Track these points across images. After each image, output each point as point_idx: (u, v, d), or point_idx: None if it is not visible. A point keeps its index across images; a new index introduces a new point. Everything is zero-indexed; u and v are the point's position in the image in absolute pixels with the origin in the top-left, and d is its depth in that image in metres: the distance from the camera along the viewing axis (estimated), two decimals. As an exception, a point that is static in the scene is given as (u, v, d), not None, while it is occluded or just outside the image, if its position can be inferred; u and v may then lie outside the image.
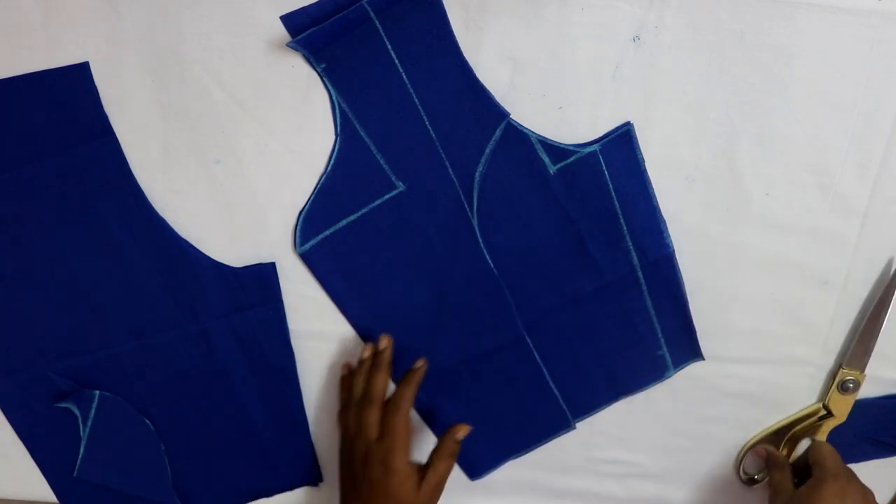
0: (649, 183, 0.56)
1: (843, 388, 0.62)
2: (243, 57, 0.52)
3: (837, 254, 0.59)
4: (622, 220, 0.57)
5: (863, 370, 0.62)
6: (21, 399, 0.58)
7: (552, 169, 0.55)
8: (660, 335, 0.61)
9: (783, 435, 0.64)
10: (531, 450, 0.65)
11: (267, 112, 0.54)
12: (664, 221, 0.57)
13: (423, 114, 0.54)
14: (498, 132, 0.55)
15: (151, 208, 0.55)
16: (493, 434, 0.64)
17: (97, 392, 0.58)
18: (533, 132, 0.55)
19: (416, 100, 0.54)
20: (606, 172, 0.56)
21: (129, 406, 0.59)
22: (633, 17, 0.52)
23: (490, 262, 0.58)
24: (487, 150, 0.55)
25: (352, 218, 0.56)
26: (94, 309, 0.57)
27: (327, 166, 0.55)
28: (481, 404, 0.62)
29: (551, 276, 0.58)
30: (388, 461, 0.54)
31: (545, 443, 0.64)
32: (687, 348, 0.61)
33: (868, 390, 0.63)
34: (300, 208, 0.56)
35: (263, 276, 0.57)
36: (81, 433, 0.59)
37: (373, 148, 0.55)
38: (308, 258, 0.57)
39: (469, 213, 0.56)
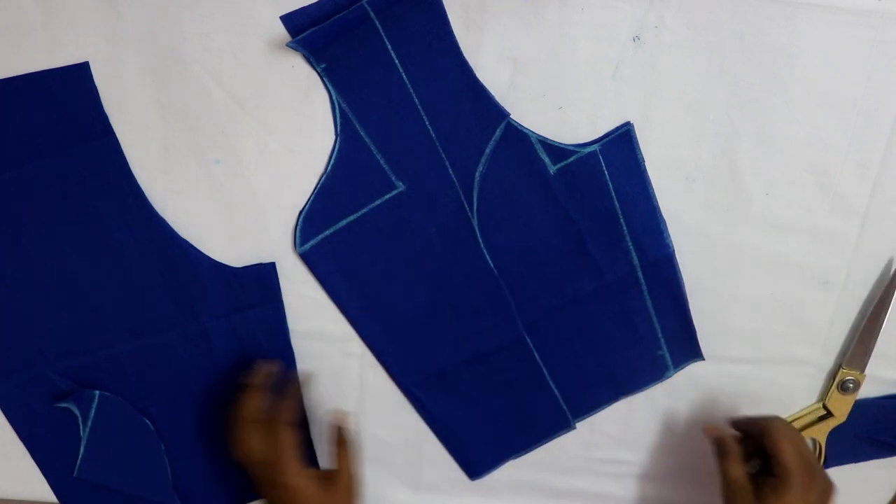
0: (649, 183, 0.56)
1: (843, 388, 0.62)
2: (243, 57, 0.52)
3: (837, 254, 0.59)
4: (622, 220, 0.57)
5: (863, 370, 0.62)
6: (21, 399, 0.58)
7: (552, 169, 0.55)
8: (660, 335, 0.61)
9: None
10: (531, 450, 0.65)
11: (267, 112, 0.54)
12: (664, 221, 0.57)
13: (423, 114, 0.54)
14: (498, 132, 0.55)
15: (151, 208, 0.55)
16: (493, 434, 0.64)
17: (97, 392, 0.58)
18: (533, 132, 0.55)
19: (416, 100, 0.54)
20: (606, 172, 0.56)
21: (129, 406, 0.59)
22: (633, 17, 0.52)
23: (490, 262, 0.58)
24: (487, 150, 0.55)
25: (352, 218, 0.56)
26: (94, 309, 0.57)
27: (327, 166, 0.55)
28: (481, 404, 0.62)
29: (551, 276, 0.58)
30: (280, 480, 0.53)
31: (545, 443, 0.64)
32: (687, 348, 0.61)
33: (868, 390, 0.63)
34: (300, 208, 0.56)
35: (263, 276, 0.57)
36: (81, 433, 0.59)
37: (373, 148, 0.55)
38: (308, 258, 0.57)
39: (469, 213, 0.56)
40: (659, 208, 0.57)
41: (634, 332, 0.61)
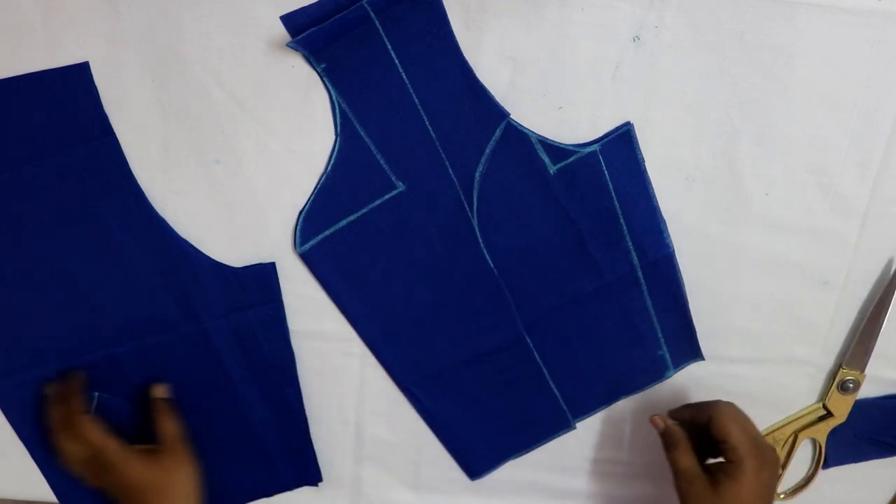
0: (649, 183, 0.56)
1: (843, 388, 0.62)
2: (243, 57, 0.52)
3: (837, 254, 0.59)
4: (622, 220, 0.57)
5: (863, 370, 0.62)
6: (21, 399, 0.58)
7: (552, 169, 0.55)
8: (660, 335, 0.61)
9: (783, 435, 0.64)
10: (531, 450, 0.65)
11: (267, 112, 0.54)
12: (664, 221, 0.57)
13: (423, 114, 0.54)
14: (498, 132, 0.55)
15: (151, 208, 0.55)
16: (493, 434, 0.64)
17: (96, 393, 0.58)
18: (533, 132, 0.55)
19: (416, 100, 0.54)
20: (606, 172, 0.56)
21: (129, 406, 0.59)
22: (633, 17, 0.52)
23: (490, 262, 0.58)
24: (487, 150, 0.55)
25: (352, 218, 0.56)
26: (94, 309, 0.57)
27: (327, 166, 0.55)
28: (481, 404, 0.62)
29: (551, 276, 0.58)
30: (106, 467, 0.53)
31: (545, 443, 0.64)
32: (687, 348, 0.61)
33: (868, 390, 0.63)
34: (300, 208, 0.56)
35: (263, 276, 0.57)
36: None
37: (373, 148, 0.55)
38: (308, 258, 0.57)
39: (469, 213, 0.56)
40: (659, 208, 0.57)
41: (634, 332, 0.61)
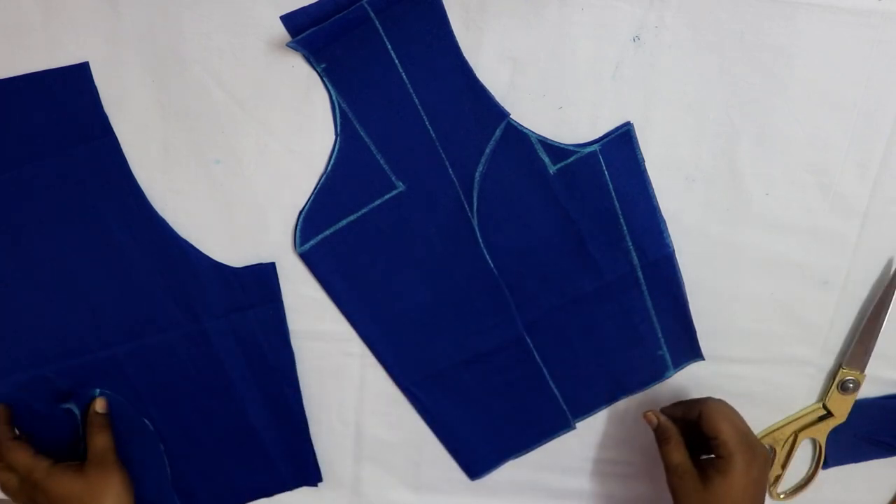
0: (649, 183, 0.56)
1: (843, 388, 0.62)
2: (243, 57, 0.52)
3: (837, 254, 0.59)
4: (622, 220, 0.57)
5: (863, 370, 0.62)
6: (21, 399, 0.58)
7: (552, 169, 0.55)
8: (660, 335, 0.61)
9: (783, 435, 0.64)
10: (531, 450, 0.65)
11: (267, 112, 0.54)
12: (664, 221, 0.57)
13: (423, 114, 0.54)
14: (498, 132, 0.55)
15: (151, 208, 0.55)
16: (493, 434, 0.64)
17: (97, 390, 0.58)
18: (533, 132, 0.55)
19: (416, 100, 0.54)
20: (606, 172, 0.56)
21: (129, 406, 0.59)
22: (633, 17, 0.52)
23: (490, 262, 0.58)
24: (487, 150, 0.55)
25: (352, 218, 0.56)
26: (93, 309, 0.57)
27: (327, 166, 0.55)
28: (481, 404, 0.62)
29: (551, 276, 0.58)
30: (36, 487, 0.54)
31: (545, 443, 0.64)
32: (687, 348, 0.61)
33: (868, 390, 0.63)
34: (300, 208, 0.56)
35: (263, 276, 0.57)
36: (81, 433, 0.59)
37: (373, 148, 0.55)
38: (308, 258, 0.57)
39: (469, 213, 0.56)
40: (659, 208, 0.57)
41: (634, 332, 0.61)
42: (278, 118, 0.54)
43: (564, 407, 0.63)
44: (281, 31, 0.51)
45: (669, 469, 0.56)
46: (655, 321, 0.60)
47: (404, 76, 0.53)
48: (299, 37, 0.50)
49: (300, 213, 0.56)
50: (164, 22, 0.51)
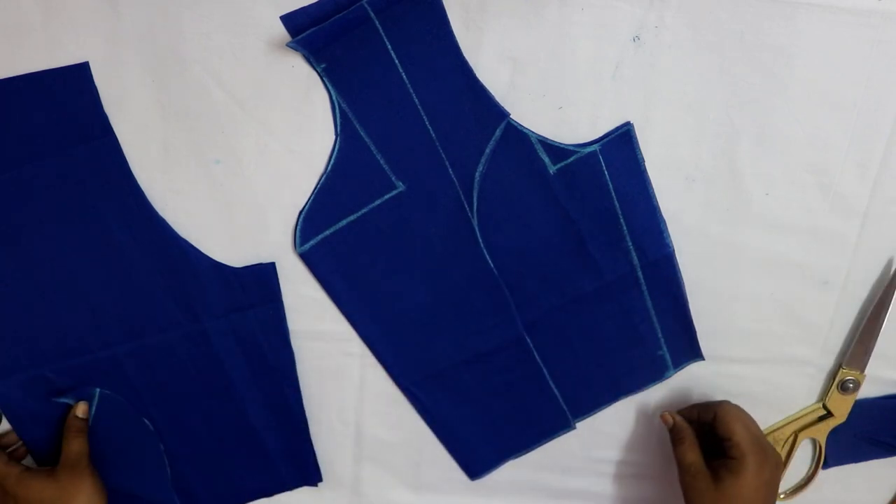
0: (649, 183, 0.56)
1: (843, 388, 0.62)
2: (243, 57, 0.52)
3: (837, 254, 0.59)
4: (622, 220, 0.57)
5: (863, 370, 0.62)
6: (21, 399, 0.58)
7: (552, 169, 0.55)
8: (660, 335, 0.61)
9: (783, 435, 0.64)
10: (531, 450, 0.65)
11: (267, 112, 0.54)
12: (664, 221, 0.57)
13: (423, 114, 0.54)
14: (498, 132, 0.55)
15: (151, 208, 0.55)
16: (493, 434, 0.64)
17: (97, 389, 0.58)
18: (533, 132, 0.55)
19: (416, 100, 0.54)
20: (606, 172, 0.56)
21: (129, 406, 0.59)
22: (633, 17, 0.52)
23: (490, 262, 0.58)
24: (487, 150, 0.55)
25: (352, 218, 0.56)
26: (93, 309, 0.57)
27: (327, 166, 0.55)
28: (481, 404, 0.62)
29: (551, 276, 0.58)
30: (11, 495, 0.55)
31: (545, 443, 0.64)
32: (687, 348, 0.61)
33: (868, 390, 0.63)
34: (300, 208, 0.56)
35: (263, 276, 0.57)
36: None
37: (373, 148, 0.55)
38: (308, 258, 0.57)
39: (469, 213, 0.56)
40: (659, 208, 0.57)
41: (634, 332, 0.61)
42: (278, 118, 0.54)
43: (564, 407, 0.63)
44: (281, 31, 0.51)
45: (683, 468, 0.57)
46: (655, 321, 0.60)
47: (404, 76, 0.53)
48: (299, 37, 0.50)
49: (300, 213, 0.56)
50: (164, 22, 0.51)
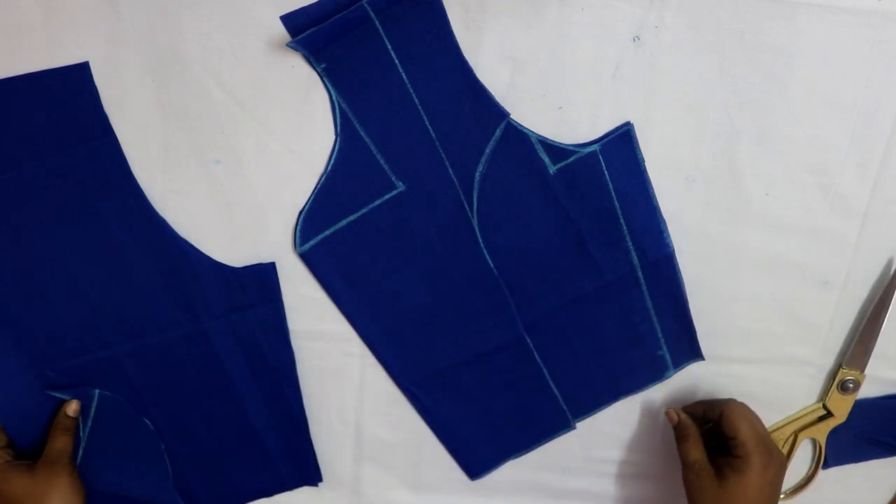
0: (649, 183, 0.56)
1: (843, 388, 0.62)
2: (243, 57, 0.52)
3: (837, 254, 0.59)
4: (622, 220, 0.57)
5: (863, 370, 0.62)
6: (21, 399, 0.58)
7: (552, 169, 0.55)
8: (660, 335, 0.61)
9: (783, 435, 0.64)
10: (531, 450, 0.65)
11: (267, 112, 0.54)
12: (664, 221, 0.57)
13: (423, 114, 0.54)
14: (498, 132, 0.55)
15: (151, 208, 0.55)
16: (493, 434, 0.64)
17: (97, 390, 0.58)
18: (533, 132, 0.55)
19: (416, 100, 0.54)
20: (606, 172, 0.56)
21: (129, 406, 0.59)
22: (633, 17, 0.52)
23: (490, 262, 0.58)
24: (487, 150, 0.55)
25: (352, 218, 0.56)
26: (93, 309, 0.57)
27: (327, 166, 0.55)
28: (481, 404, 0.62)
29: (551, 276, 0.58)
30: None
31: (545, 443, 0.64)
32: (687, 348, 0.61)
33: (868, 390, 0.63)
34: (300, 208, 0.56)
35: (263, 276, 0.57)
36: (81, 433, 0.59)
37: (373, 148, 0.55)
38: (308, 258, 0.57)
39: (469, 213, 0.56)
40: (659, 208, 0.57)
41: (634, 332, 0.61)
42: (278, 118, 0.54)
43: (564, 407, 0.63)
44: (281, 31, 0.51)
45: (686, 465, 0.57)
46: (655, 321, 0.60)
47: (404, 76, 0.53)
48: (299, 37, 0.50)
49: (300, 213, 0.56)
50: (164, 22, 0.51)
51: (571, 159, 0.55)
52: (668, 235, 0.57)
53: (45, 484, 0.55)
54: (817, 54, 0.53)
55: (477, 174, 0.56)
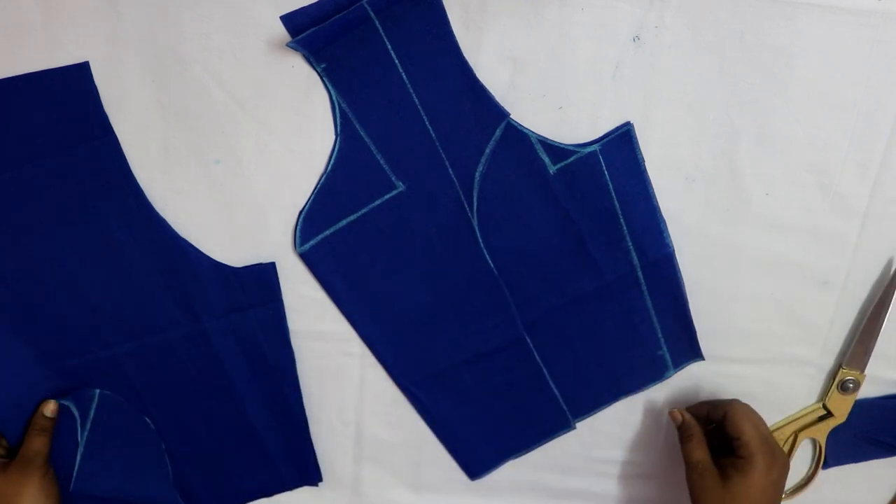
0: (649, 183, 0.56)
1: (843, 388, 0.62)
2: (243, 57, 0.52)
3: (837, 254, 0.59)
4: (622, 220, 0.57)
5: (863, 370, 0.62)
6: (21, 400, 0.58)
7: (552, 169, 0.55)
8: (660, 335, 0.61)
9: (783, 435, 0.64)
10: (531, 450, 0.65)
11: (267, 112, 0.54)
12: (664, 221, 0.57)
13: (423, 114, 0.54)
14: (498, 132, 0.55)
15: (151, 208, 0.55)
16: (493, 434, 0.64)
17: (97, 391, 0.58)
18: (533, 132, 0.55)
19: (416, 100, 0.54)
20: (606, 172, 0.56)
21: (129, 406, 0.59)
22: (633, 17, 0.52)
23: (490, 262, 0.58)
24: (487, 150, 0.55)
25: (352, 218, 0.56)
26: (93, 309, 0.57)
27: (327, 166, 0.55)
28: (481, 404, 0.62)
29: (551, 276, 0.58)
30: None
31: (545, 443, 0.64)
32: (687, 348, 0.61)
33: (868, 390, 0.63)
34: (300, 208, 0.56)
35: (263, 276, 0.57)
36: (79, 437, 0.58)
37: (373, 148, 0.55)
38: (308, 258, 0.57)
39: (469, 213, 0.56)
40: (659, 208, 0.57)
41: (634, 332, 0.61)
42: (278, 118, 0.54)
43: (564, 407, 0.63)
44: (281, 31, 0.51)
45: (690, 466, 0.57)
46: (655, 321, 0.60)
47: (404, 76, 0.53)
48: (299, 37, 0.50)
49: (300, 213, 0.56)
50: (164, 22, 0.51)
51: (571, 159, 0.55)
52: (668, 235, 0.57)
53: (16, 484, 0.54)
54: (817, 54, 0.53)
55: (477, 174, 0.56)
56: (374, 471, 0.65)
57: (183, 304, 0.57)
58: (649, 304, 0.60)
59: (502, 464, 0.65)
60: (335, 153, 0.55)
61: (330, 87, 0.53)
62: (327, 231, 0.56)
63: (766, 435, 0.56)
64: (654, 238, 0.57)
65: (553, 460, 0.65)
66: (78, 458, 0.58)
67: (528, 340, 0.60)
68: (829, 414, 0.64)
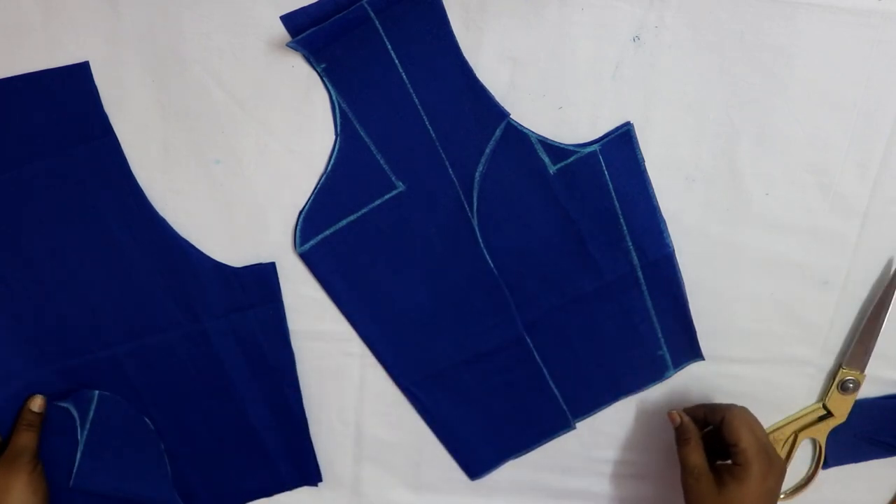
0: (649, 183, 0.56)
1: (843, 388, 0.62)
2: (243, 57, 0.52)
3: (837, 254, 0.59)
4: (622, 220, 0.57)
5: (863, 370, 0.62)
6: (21, 399, 0.58)
7: (552, 169, 0.55)
8: (660, 335, 0.61)
9: (783, 435, 0.64)
10: (531, 450, 0.65)
11: (267, 112, 0.54)
12: (664, 221, 0.57)
13: (423, 114, 0.54)
14: (498, 132, 0.55)
15: (151, 208, 0.55)
16: (493, 434, 0.64)
17: (96, 392, 0.58)
18: (533, 132, 0.55)
19: (416, 100, 0.54)
20: (606, 172, 0.56)
21: (129, 406, 0.59)
22: (633, 17, 0.52)
23: (490, 262, 0.58)
24: (487, 150, 0.55)
25: (352, 218, 0.56)
26: (93, 309, 0.57)
27: (327, 166, 0.55)
28: (481, 404, 0.62)
29: (551, 276, 0.58)
30: None
31: (545, 443, 0.64)
32: (687, 348, 0.61)
33: (868, 390, 0.63)
34: (300, 208, 0.56)
35: (263, 276, 0.57)
36: (79, 437, 0.58)
37: (373, 148, 0.55)
38: (308, 258, 0.57)
39: (469, 213, 0.56)
40: (659, 208, 0.57)
41: (634, 332, 0.61)
42: (278, 118, 0.54)
43: (564, 407, 0.63)
44: (281, 31, 0.51)
45: (686, 469, 0.57)
46: (655, 321, 0.60)
47: (404, 76, 0.53)
48: (299, 37, 0.50)
49: (300, 213, 0.56)
50: (164, 22, 0.51)
51: (571, 159, 0.55)
52: (668, 235, 0.57)
53: (2, 480, 0.54)
54: (817, 54, 0.53)
55: (477, 174, 0.56)
56: (374, 471, 0.65)
57: (183, 304, 0.57)
58: (649, 304, 0.60)
59: (502, 464, 0.65)
60: (335, 153, 0.55)
61: (330, 87, 0.53)
62: (327, 231, 0.56)
63: (764, 441, 0.56)
64: (654, 238, 0.57)
65: (553, 460, 0.65)
66: (78, 456, 0.58)
67: (528, 340, 0.60)
68: (829, 414, 0.64)
